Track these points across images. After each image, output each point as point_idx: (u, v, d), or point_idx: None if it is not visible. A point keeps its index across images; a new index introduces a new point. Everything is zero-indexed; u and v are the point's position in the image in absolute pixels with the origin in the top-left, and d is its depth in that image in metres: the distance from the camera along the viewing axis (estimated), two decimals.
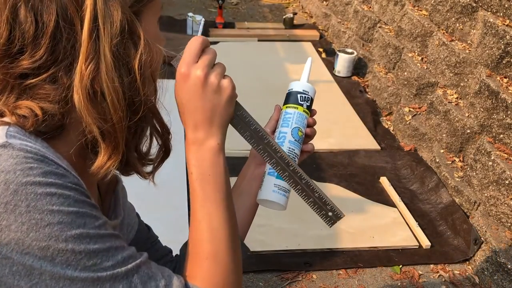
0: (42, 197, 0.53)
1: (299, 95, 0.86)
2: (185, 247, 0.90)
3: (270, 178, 0.82)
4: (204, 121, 0.67)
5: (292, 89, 0.88)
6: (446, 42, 2.80)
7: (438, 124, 2.76)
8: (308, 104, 0.86)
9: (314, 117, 0.88)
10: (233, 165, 2.84)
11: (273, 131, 0.87)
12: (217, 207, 0.67)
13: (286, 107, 0.87)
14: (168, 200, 2.35)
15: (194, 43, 0.68)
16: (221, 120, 0.68)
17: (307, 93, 0.87)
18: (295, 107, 0.85)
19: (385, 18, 3.58)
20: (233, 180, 2.57)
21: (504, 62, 2.35)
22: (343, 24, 4.22)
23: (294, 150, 0.83)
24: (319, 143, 2.76)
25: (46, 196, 0.54)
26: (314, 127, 0.89)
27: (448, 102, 2.71)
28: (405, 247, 2.27)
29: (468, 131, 2.51)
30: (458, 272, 2.18)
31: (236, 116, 0.75)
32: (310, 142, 0.88)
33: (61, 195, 0.55)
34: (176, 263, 0.91)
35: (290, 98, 0.87)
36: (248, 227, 0.88)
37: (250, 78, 3.63)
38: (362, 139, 3.02)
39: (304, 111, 0.86)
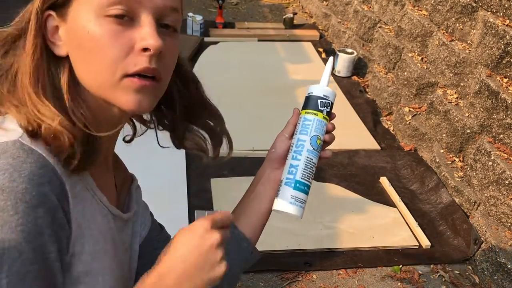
0: None
1: (319, 101, 0.83)
2: None
3: (287, 188, 0.81)
4: (182, 275, 0.63)
5: (312, 93, 0.85)
6: (446, 42, 2.80)
7: (438, 124, 2.76)
8: (328, 110, 0.84)
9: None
10: (233, 165, 2.86)
11: (291, 136, 0.85)
12: None
13: (306, 113, 0.84)
14: (168, 200, 2.35)
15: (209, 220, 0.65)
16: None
17: (327, 98, 0.83)
18: (314, 113, 0.83)
19: (385, 18, 3.58)
20: (236, 179, 2.56)
21: (504, 62, 2.35)
22: (343, 24, 4.22)
23: (312, 159, 0.82)
24: None
25: None
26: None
27: (448, 102, 2.71)
28: (405, 247, 2.27)
29: (468, 131, 2.51)
30: (458, 272, 2.18)
31: None
32: (328, 148, 0.86)
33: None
34: None
35: (309, 103, 0.84)
36: (260, 232, 0.88)
37: (250, 78, 3.63)
38: (362, 139, 3.02)
39: (324, 117, 0.83)
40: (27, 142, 0.58)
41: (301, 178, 0.81)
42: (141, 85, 0.63)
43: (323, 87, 0.84)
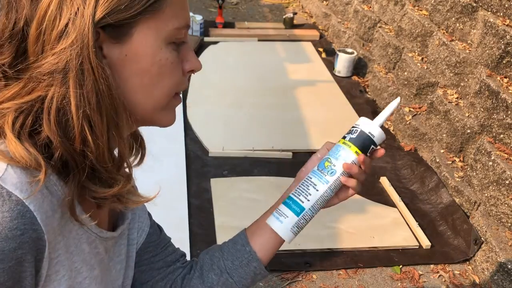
0: None
1: (349, 129, 0.81)
2: (206, 254, 0.89)
3: (292, 216, 0.78)
4: None
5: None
6: (446, 42, 2.79)
7: (438, 124, 2.76)
8: (352, 136, 0.79)
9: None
10: (233, 165, 2.86)
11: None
12: None
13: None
14: (168, 200, 2.35)
15: None
16: None
17: (357, 126, 0.80)
18: (339, 140, 0.81)
19: (385, 18, 3.58)
20: (236, 179, 2.55)
21: (504, 62, 2.35)
22: (343, 24, 4.22)
23: (310, 178, 0.79)
24: (319, 143, 2.75)
25: None
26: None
27: (448, 102, 2.71)
28: (405, 247, 2.27)
29: (468, 131, 2.51)
30: (458, 272, 2.18)
31: None
32: (354, 180, 0.80)
33: None
34: (190, 269, 0.89)
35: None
36: (273, 251, 0.86)
37: (250, 78, 3.63)
38: None
39: (344, 143, 0.79)
40: (8, 182, 0.53)
41: (292, 194, 0.80)
42: (181, 101, 0.68)
43: (361, 119, 0.81)
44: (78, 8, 0.54)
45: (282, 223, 0.78)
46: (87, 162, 0.57)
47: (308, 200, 0.78)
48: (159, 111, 0.65)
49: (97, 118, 0.56)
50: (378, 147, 0.81)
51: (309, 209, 0.78)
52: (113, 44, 0.58)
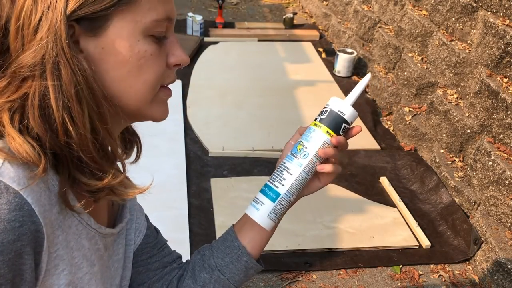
0: None
1: (321, 110, 0.79)
2: (197, 254, 0.90)
3: (269, 203, 0.77)
4: None
5: None
6: (446, 42, 2.80)
7: (438, 124, 2.76)
8: (322, 117, 0.78)
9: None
10: (233, 165, 2.86)
11: None
12: None
13: None
14: (168, 200, 2.35)
15: None
16: None
17: (327, 106, 0.79)
18: (311, 123, 0.79)
19: (385, 18, 3.58)
20: (236, 179, 2.56)
21: (504, 62, 2.35)
22: (343, 24, 4.22)
23: (284, 163, 0.78)
24: None
25: None
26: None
27: (448, 102, 2.71)
28: (405, 247, 2.27)
29: (468, 131, 2.51)
30: (458, 272, 2.18)
31: None
32: (329, 164, 0.78)
33: None
34: (184, 270, 0.90)
35: None
36: (263, 243, 0.86)
37: (250, 78, 3.63)
38: (362, 139, 3.02)
39: (315, 124, 0.78)
40: (5, 176, 0.53)
41: (268, 181, 0.79)
42: (170, 94, 0.68)
43: (331, 99, 0.79)
44: (51, 2, 0.55)
45: (259, 211, 0.78)
46: (74, 153, 0.58)
47: (283, 185, 0.77)
48: (147, 104, 0.65)
49: (77, 110, 0.57)
50: (352, 125, 0.79)
51: (285, 193, 0.77)
52: (89, 37, 0.58)
